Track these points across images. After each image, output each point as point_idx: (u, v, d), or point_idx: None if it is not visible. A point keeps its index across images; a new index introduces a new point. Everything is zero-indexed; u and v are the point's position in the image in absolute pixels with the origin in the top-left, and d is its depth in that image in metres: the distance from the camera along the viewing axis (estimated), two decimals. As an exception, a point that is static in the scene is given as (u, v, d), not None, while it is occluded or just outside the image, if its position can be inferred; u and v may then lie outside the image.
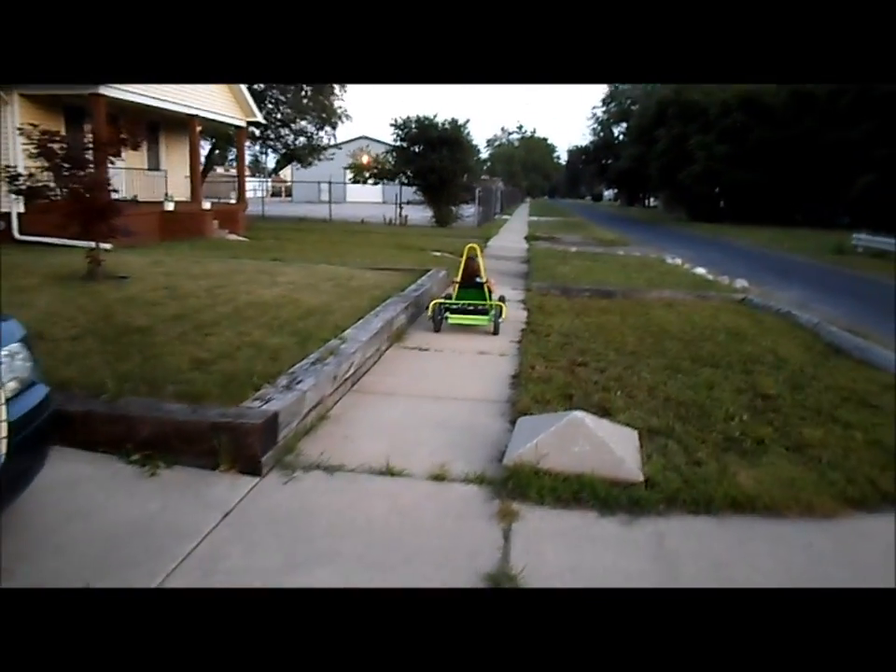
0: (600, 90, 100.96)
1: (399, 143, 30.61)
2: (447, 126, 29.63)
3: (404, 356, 6.80)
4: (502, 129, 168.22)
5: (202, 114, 19.22)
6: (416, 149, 29.93)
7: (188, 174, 21.98)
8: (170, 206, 17.43)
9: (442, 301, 8.44)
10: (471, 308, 8.28)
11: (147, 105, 17.19)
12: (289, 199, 67.61)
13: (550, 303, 9.78)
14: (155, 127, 20.58)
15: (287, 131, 32.73)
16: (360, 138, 60.63)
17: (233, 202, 22.62)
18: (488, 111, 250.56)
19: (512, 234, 26.99)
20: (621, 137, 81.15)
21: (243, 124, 21.54)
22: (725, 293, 11.55)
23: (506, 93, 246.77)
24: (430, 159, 28.82)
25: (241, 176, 22.30)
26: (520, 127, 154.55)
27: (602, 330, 8.01)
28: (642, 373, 6.06)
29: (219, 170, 75.59)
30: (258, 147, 32.95)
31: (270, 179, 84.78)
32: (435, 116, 29.90)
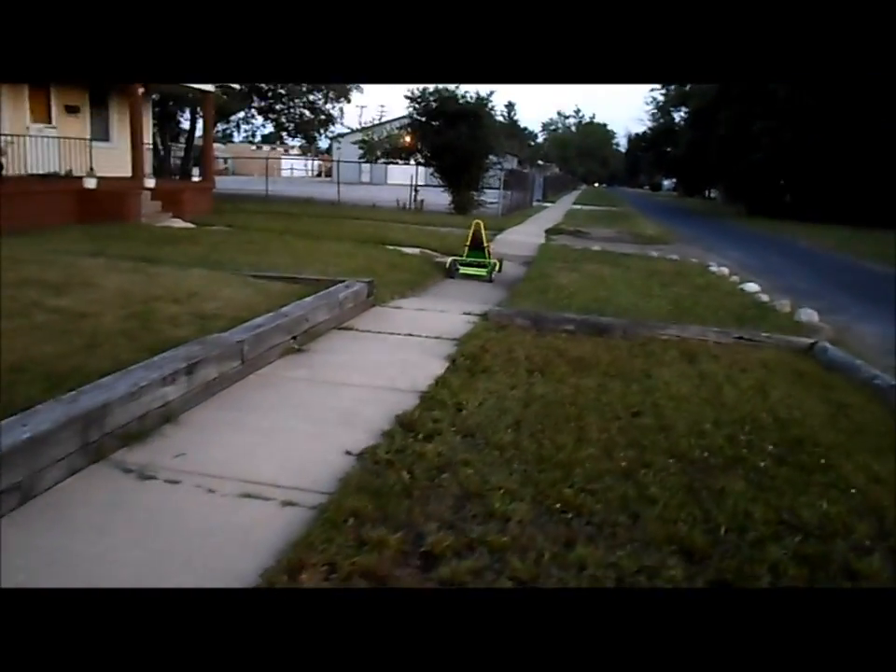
0: None
1: (414, 117, 26.92)
2: (468, 100, 25.77)
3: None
4: (559, 113, 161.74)
5: (149, 72, 15.89)
6: (434, 125, 26.18)
7: (149, 145, 18.89)
8: (90, 184, 14.16)
9: (456, 257, 11.31)
10: (475, 263, 11.09)
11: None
12: (329, 179, 64.50)
13: (498, 347, 6.12)
14: (102, 91, 17.36)
15: (296, 103, 29.40)
16: (406, 117, 56.60)
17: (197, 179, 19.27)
18: (545, 94, 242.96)
19: (536, 226, 23.13)
20: (682, 123, 75.55)
21: (210, 89, 18.16)
22: (783, 330, 7.68)
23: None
24: (447, 136, 25.06)
25: (207, 150, 18.95)
26: (577, 111, 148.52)
27: (548, 421, 4.35)
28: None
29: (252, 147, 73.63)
30: (261, 120, 29.57)
31: (317, 159, 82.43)
32: (456, 87, 26.11)
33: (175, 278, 7.39)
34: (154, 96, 23.73)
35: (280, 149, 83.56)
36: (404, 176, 51.91)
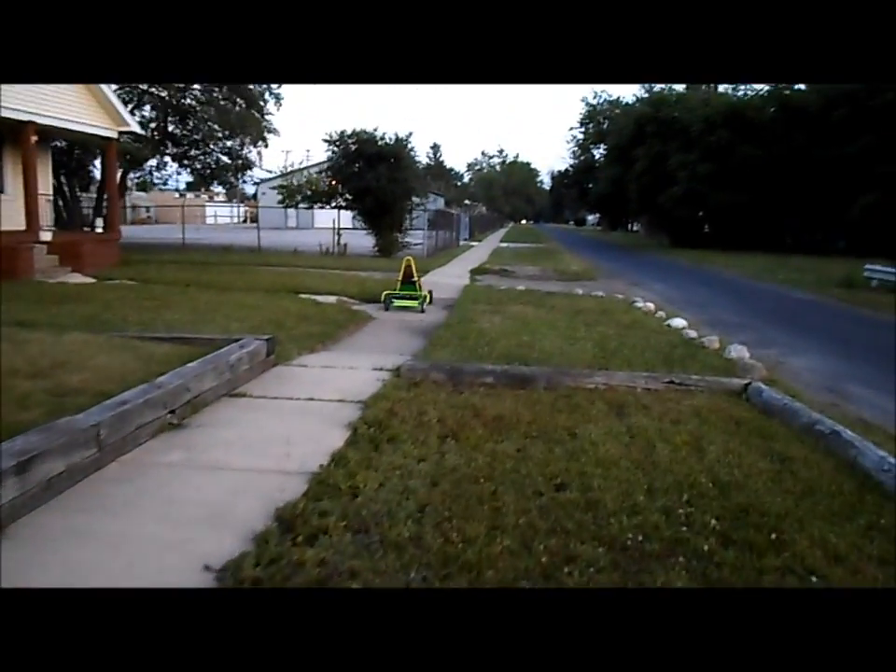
0: (578, 110, 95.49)
1: (334, 160, 26.37)
2: (387, 141, 25.40)
3: None
4: (483, 153, 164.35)
5: (42, 120, 14.92)
6: (356, 168, 25.65)
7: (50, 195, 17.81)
8: (-26, 238, 13.07)
9: (390, 291, 12.20)
10: (407, 296, 12.08)
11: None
12: (254, 225, 63.25)
13: (408, 409, 5.47)
14: (-7, 137, 16.26)
15: (211, 148, 28.53)
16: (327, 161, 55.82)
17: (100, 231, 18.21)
18: (470, 135, 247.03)
19: (461, 266, 22.75)
20: (602, 160, 77.26)
21: (112, 135, 17.22)
22: (714, 370, 7.29)
23: (487, 116, 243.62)
24: (367, 178, 24.59)
25: (112, 199, 17.99)
26: (500, 151, 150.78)
27: (458, 505, 3.71)
28: None
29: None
30: (175, 167, 28.58)
31: (243, 205, 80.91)
32: (375, 129, 25.74)
33: (44, 346, 6.52)
34: (58, 143, 22.62)
35: (204, 196, 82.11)
36: (331, 220, 51.47)
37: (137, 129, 18.53)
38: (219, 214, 79.29)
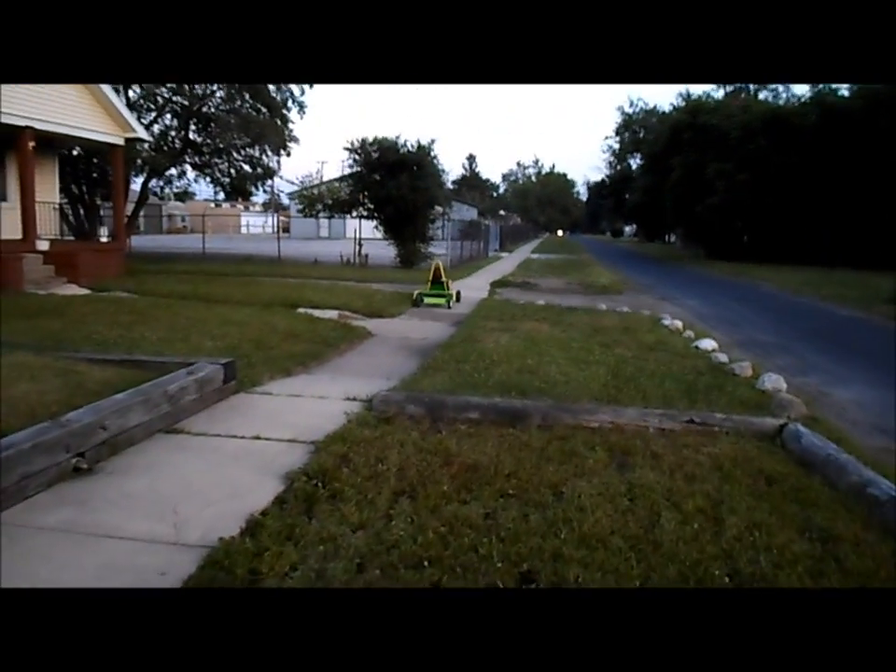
0: (614, 119, 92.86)
1: (354, 169, 25.66)
2: (409, 149, 24.61)
3: None
4: (518, 163, 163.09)
5: (41, 126, 14.35)
6: (377, 177, 24.91)
7: (56, 204, 17.38)
8: (-37, 247, 12.49)
9: (421, 290, 13.96)
10: (436, 294, 13.83)
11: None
12: (286, 235, 63.05)
13: (365, 454, 4.54)
14: (-3, 143, 15.78)
15: (234, 157, 27.99)
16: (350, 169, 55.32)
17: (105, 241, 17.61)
18: (505, 145, 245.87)
19: (483, 278, 21.78)
20: (638, 170, 75.76)
21: (118, 142, 16.63)
22: (743, 405, 6.26)
23: (523, 127, 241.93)
24: (387, 187, 23.80)
25: (117, 207, 17.31)
26: (536, 161, 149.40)
27: (384, 604, 2.78)
28: None
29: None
30: (193, 176, 28.10)
31: (277, 214, 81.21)
32: (397, 137, 24.99)
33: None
34: (75, 152, 22.25)
35: (240, 206, 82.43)
36: (364, 230, 51.17)
37: (145, 135, 17.90)
38: (252, 224, 79.77)
